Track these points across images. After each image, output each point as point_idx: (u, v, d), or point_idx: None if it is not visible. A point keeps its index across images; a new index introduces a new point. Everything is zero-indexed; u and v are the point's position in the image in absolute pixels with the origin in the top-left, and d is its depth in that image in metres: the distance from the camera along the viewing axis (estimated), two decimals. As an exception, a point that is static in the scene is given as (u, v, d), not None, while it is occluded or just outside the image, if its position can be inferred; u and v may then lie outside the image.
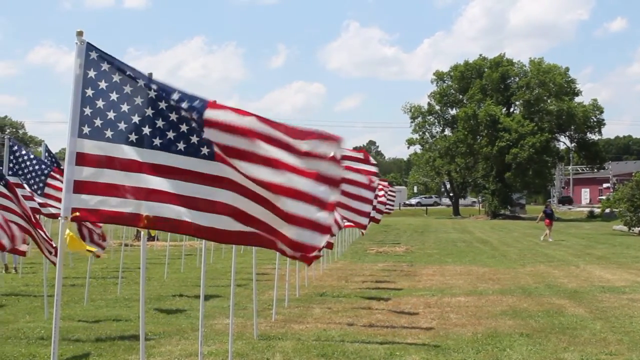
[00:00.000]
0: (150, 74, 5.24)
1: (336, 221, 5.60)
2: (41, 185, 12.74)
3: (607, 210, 45.16)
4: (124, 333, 9.14)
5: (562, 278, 15.66)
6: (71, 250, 4.91)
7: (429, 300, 12.34)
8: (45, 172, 12.62)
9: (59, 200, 10.16)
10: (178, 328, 9.53)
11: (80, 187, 4.95)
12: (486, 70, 65.13)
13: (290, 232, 5.11)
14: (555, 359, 7.82)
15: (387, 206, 23.07)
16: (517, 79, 64.87)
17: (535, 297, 12.62)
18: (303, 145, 5.07)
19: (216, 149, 5.02)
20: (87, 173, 4.97)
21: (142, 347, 5.93)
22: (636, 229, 34.21)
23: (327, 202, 5.10)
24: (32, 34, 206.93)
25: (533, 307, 11.37)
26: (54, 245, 8.70)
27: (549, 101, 62.05)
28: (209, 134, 5.00)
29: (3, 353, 7.96)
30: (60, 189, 10.28)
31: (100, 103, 5.02)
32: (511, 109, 65.44)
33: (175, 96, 5.07)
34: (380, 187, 13.67)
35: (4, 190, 8.52)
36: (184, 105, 5.05)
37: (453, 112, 67.96)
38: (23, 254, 9.13)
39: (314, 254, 5.21)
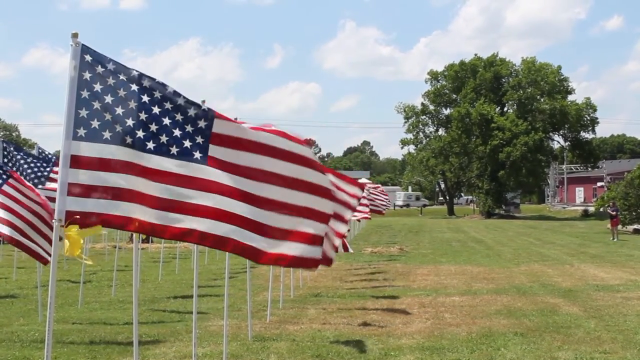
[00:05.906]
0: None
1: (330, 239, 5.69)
2: (42, 180, 12.68)
3: (601, 209, 45.22)
4: (118, 335, 9.11)
5: (557, 277, 15.70)
6: (69, 254, 4.85)
7: (424, 300, 12.35)
8: (47, 169, 12.60)
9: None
10: (172, 330, 9.51)
11: (75, 190, 4.92)
12: (480, 69, 65.21)
13: (288, 247, 5.11)
14: (549, 357, 7.83)
15: (374, 204, 22.81)
16: (510, 79, 64.97)
17: (530, 296, 12.65)
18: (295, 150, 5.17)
19: (211, 154, 5.03)
20: (82, 176, 4.93)
21: (136, 350, 5.92)
22: (630, 227, 34.36)
23: (327, 214, 5.20)
24: (27, 36, 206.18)
25: (527, 306, 11.39)
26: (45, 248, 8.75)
27: (541, 100, 62.21)
28: (214, 150, 5.04)
29: (-4, 356, 7.94)
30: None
31: (97, 104, 4.97)
32: (505, 108, 65.54)
33: (171, 101, 5.07)
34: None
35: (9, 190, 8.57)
36: (182, 111, 5.06)
37: (447, 112, 67.96)
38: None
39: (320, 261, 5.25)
